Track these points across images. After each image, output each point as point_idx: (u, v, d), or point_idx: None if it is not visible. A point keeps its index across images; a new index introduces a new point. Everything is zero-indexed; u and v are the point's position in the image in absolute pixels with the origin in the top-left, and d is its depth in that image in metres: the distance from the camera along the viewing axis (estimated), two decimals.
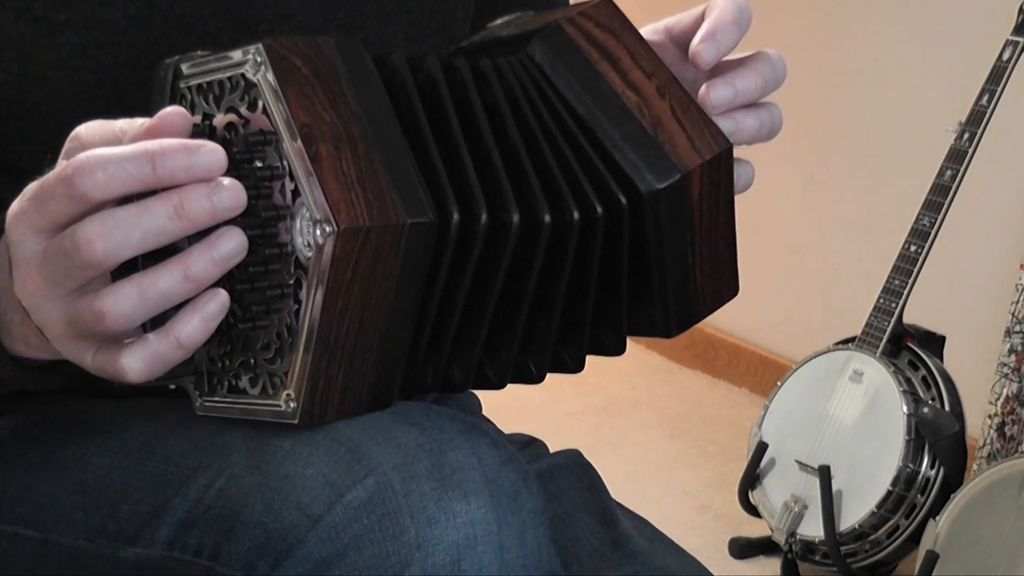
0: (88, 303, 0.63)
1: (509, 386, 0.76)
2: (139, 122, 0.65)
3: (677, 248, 0.74)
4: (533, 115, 0.73)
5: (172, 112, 0.64)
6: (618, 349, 0.77)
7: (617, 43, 0.75)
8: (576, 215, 0.70)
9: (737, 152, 0.76)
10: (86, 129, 0.66)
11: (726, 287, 0.78)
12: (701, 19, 0.78)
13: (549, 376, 0.77)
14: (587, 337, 0.76)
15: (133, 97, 0.77)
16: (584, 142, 0.73)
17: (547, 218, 0.69)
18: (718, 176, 0.74)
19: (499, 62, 0.74)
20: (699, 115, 0.74)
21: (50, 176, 0.63)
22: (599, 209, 0.71)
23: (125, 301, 0.62)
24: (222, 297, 0.64)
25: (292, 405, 0.66)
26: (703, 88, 0.76)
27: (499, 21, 0.81)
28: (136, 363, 0.64)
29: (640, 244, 0.73)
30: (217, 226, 0.64)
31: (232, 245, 0.64)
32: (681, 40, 0.80)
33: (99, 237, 0.61)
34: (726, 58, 0.78)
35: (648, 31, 0.81)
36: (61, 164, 0.64)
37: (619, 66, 0.74)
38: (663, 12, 0.84)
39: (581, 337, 0.76)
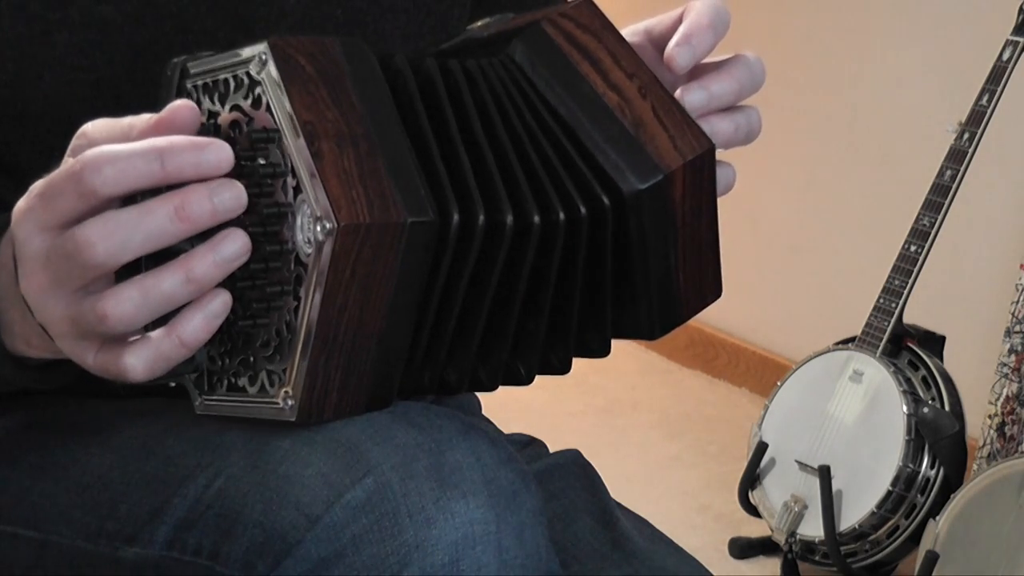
0: (91, 305, 0.63)
1: (510, 386, 0.76)
2: (146, 118, 0.64)
3: (660, 249, 0.74)
4: (516, 116, 0.73)
5: (181, 105, 0.64)
6: (603, 351, 0.77)
7: (598, 44, 0.75)
8: (562, 216, 0.70)
9: (721, 155, 0.76)
10: (93, 126, 0.66)
11: (709, 288, 0.77)
12: (679, 21, 0.78)
13: (549, 376, 0.77)
14: (573, 339, 0.76)
15: (130, 95, 0.77)
16: (566, 143, 0.73)
17: (536, 218, 0.69)
18: (700, 176, 0.73)
19: (482, 63, 0.74)
20: (681, 116, 0.73)
21: (58, 173, 0.63)
22: (583, 210, 0.71)
23: (128, 303, 0.62)
24: (225, 296, 0.64)
25: (290, 403, 0.66)
26: (677, 92, 0.76)
27: (479, 23, 0.81)
28: (139, 362, 0.64)
29: (623, 245, 0.73)
30: (220, 226, 0.64)
31: (235, 248, 0.63)
32: (660, 42, 0.80)
33: (101, 240, 0.61)
34: (704, 60, 0.78)
35: (628, 32, 0.81)
36: (68, 161, 0.64)
37: (600, 67, 0.74)
38: (644, 13, 0.83)
39: (567, 339, 0.75)
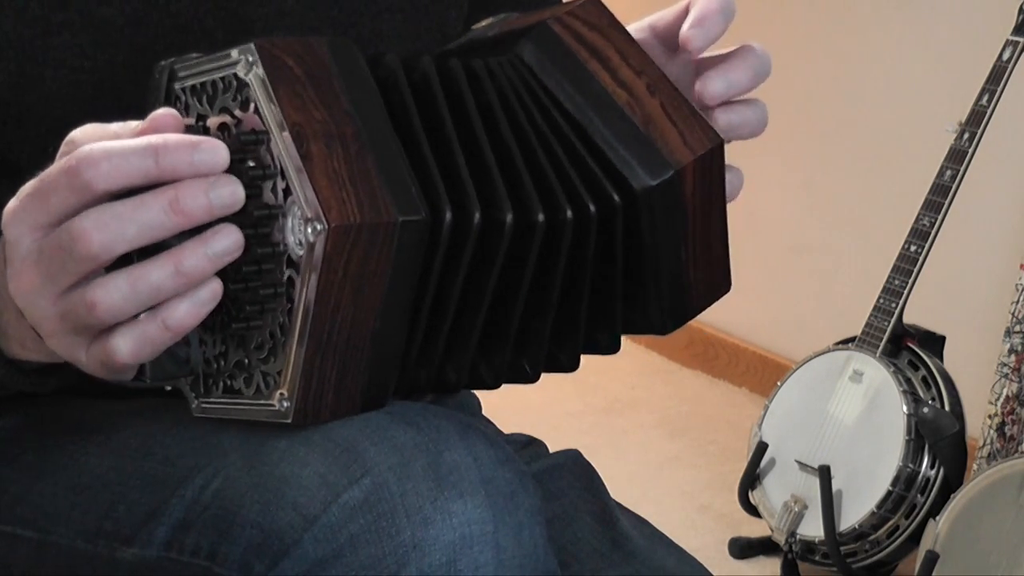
0: (80, 294, 0.63)
1: (509, 386, 0.76)
2: (133, 125, 0.65)
3: (670, 245, 0.74)
4: (524, 115, 0.73)
5: (163, 114, 0.64)
6: (612, 348, 0.77)
7: (606, 41, 0.75)
8: (569, 214, 0.70)
9: (728, 158, 0.76)
10: (81, 132, 0.66)
11: (719, 282, 0.78)
12: (684, 14, 0.78)
13: (549, 376, 0.77)
14: (582, 336, 0.76)
15: (131, 97, 0.77)
16: (576, 141, 0.73)
17: (540, 217, 0.69)
18: (710, 172, 0.74)
19: (490, 62, 0.74)
20: (690, 111, 0.74)
21: (51, 171, 0.64)
22: (592, 208, 0.71)
23: (115, 292, 0.62)
24: (214, 285, 0.64)
25: (286, 404, 0.66)
26: (698, 83, 0.76)
27: (484, 23, 0.81)
28: (125, 343, 0.64)
29: (634, 241, 0.73)
30: (213, 223, 0.64)
31: (226, 243, 0.64)
32: (665, 36, 0.81)
33: (95, 229, 0.62)
34: (711, 53, 0.78)
35: (632, 29, 0.81)
36: (59, 162, 0.64)
37: (608, 64, 0.74)
38: (648, 9, 0.84)
39: (576, 336, 0.76)
